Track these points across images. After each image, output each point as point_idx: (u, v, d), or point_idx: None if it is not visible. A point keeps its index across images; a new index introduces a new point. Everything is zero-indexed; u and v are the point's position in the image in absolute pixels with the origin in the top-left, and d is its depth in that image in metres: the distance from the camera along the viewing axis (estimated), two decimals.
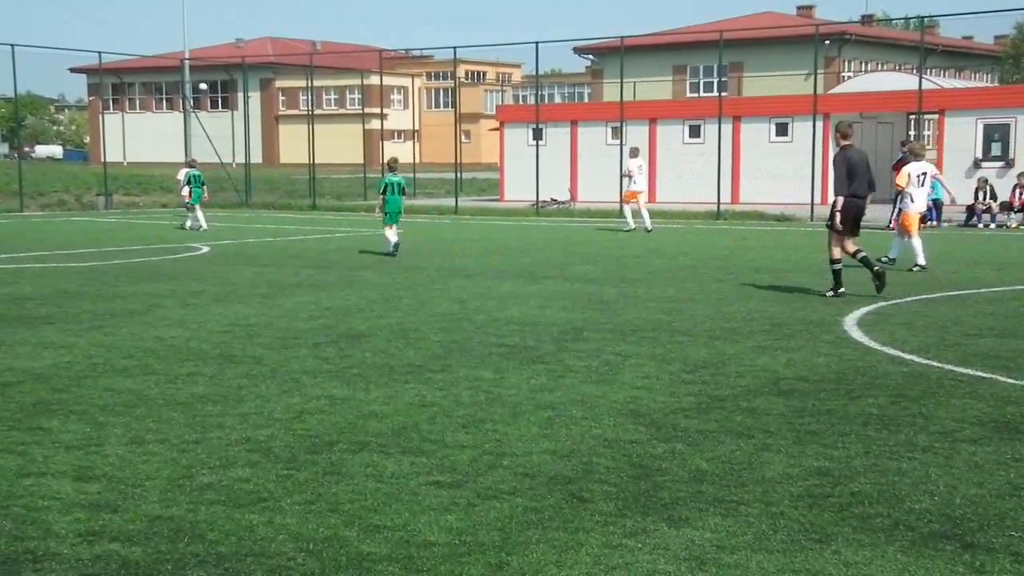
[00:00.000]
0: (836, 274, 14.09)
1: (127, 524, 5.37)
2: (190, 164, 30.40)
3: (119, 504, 5.67)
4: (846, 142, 14.06)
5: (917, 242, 17.40)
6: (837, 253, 14.08)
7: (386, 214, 20.30)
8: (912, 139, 28.42)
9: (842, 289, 13.98)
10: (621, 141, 35.69)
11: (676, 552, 4.99)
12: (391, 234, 20.05)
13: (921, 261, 17.17)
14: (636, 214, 26.88)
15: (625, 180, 27.44)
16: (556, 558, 4.92)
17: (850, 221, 13.97)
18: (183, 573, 4.77)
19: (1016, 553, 4.98)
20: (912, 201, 17.56)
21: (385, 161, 21.54)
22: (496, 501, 5.69)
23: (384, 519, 5.41)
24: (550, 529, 5.29)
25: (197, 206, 28.14)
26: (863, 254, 13.96)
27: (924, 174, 17.69)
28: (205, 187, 29.59)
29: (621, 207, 28.37)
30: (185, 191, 29.18)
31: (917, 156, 18.11)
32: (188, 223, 28.14)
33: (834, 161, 14.16)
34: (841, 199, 13.80)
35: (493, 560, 4.89)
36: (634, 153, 27.53)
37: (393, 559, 4.90)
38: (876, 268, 14.03)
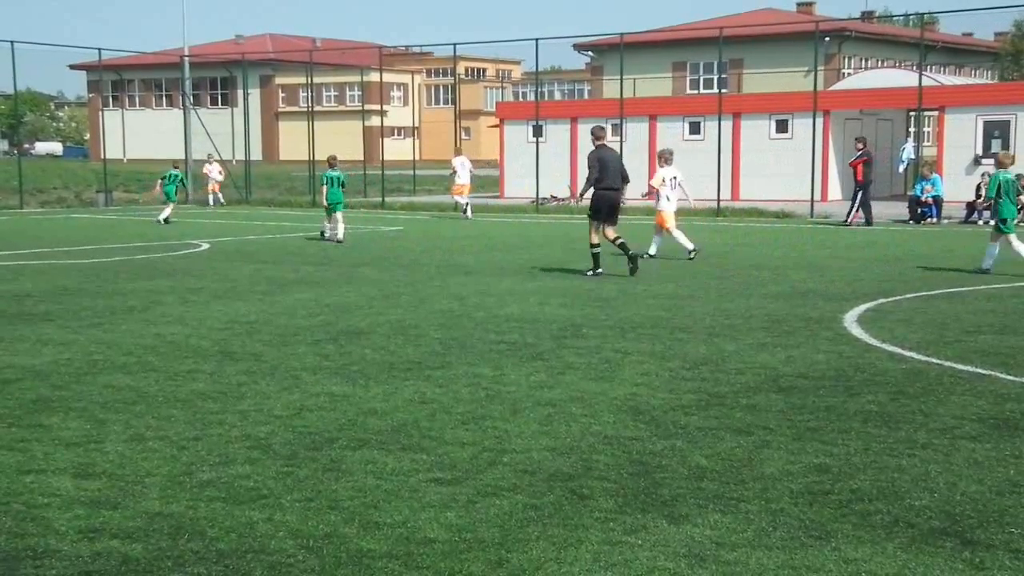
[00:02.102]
0: (595, 257, 16.16)
1: (127, 521, 5.38)
2: (174, 166, 32.83)
3: (119, 501, 5.68)
4: (599, 142, 16.28)
5: (678, 234, 18.83)
6: (596, 239, 16.15)
7: (327, 206, 23.18)
8: (863, 138, 28.70)
9: (600, 270, 16.02)
10: (621, 138, 35.67)
11: (676, 549, 4.99)
12: (335, 224, 22.90)
13: (690, 246, 18.56)
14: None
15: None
16: (556, 555, 4.92)
17: (606, 211, 16.06)
18: (183, 570, 4.78)
19: (1016, 550, 4.98)
20: (668, 200, 18.87)
21: (327, 159, 24.08)
22: (496, 498, 5.69)
23: (384, 516, 5.42)
24: (550, 526, 5.29)
25: (171, 203, 30.40)
26: (621, 240, 16.08)
27: (675, 178, 19.07)
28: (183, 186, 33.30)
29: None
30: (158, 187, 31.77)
31: (667, 161, 19.07)
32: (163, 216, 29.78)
33: (588, 158, 16.22)
34: (592, 191, 16.03)
35: (493, 557, 4.89)
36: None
37: (393, 556, 4.91)
38: (631, 253, 16.02)
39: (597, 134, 16.48)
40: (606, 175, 16.02)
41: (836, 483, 5.94)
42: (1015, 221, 16.48)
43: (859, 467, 6.24)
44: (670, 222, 18.96)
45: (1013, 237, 16.28)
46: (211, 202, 38.48)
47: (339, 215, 22.95)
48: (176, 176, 31.40)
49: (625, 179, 16.36)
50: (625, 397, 8.01)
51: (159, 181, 31.49)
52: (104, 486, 5.93)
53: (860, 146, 27.99)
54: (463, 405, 7.78)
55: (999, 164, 16.78)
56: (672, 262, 18.25)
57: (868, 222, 27.47)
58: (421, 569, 4.77)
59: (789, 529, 5.24)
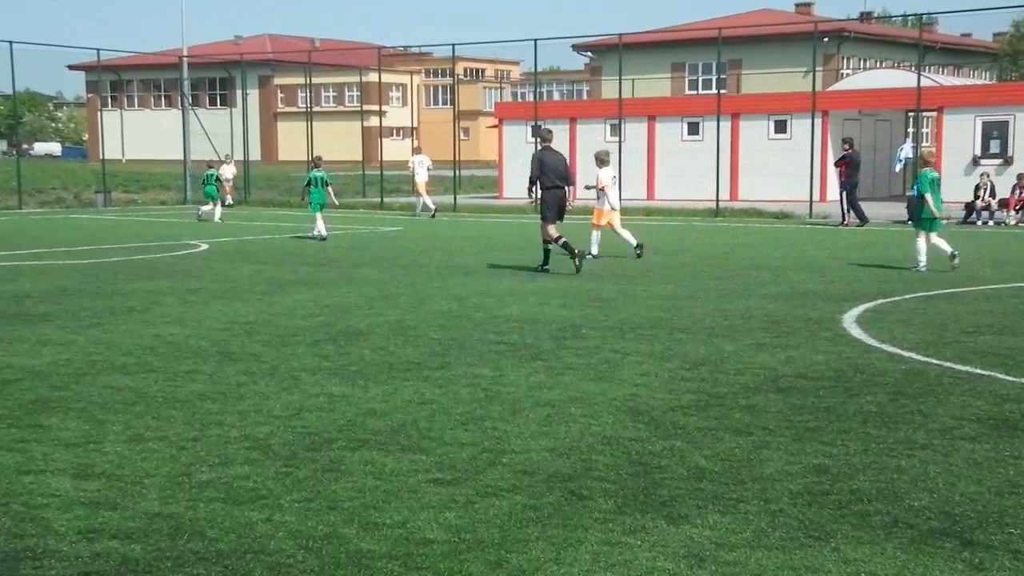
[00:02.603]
0: (565, 247, 16.73)
1: (126, 521, 5.37)
2: (209, 165, 33.85)
3: (118, 501, 5.67)
4: (545, 143, 17.15)
5: (596, 235, 19.14)
6: (554, 232, 16.94)
7: (312, 204, 24.10)
8: (849, 139, 28.92)
9: (578, 260, 16.58)
10: (620, 138, 35.69)
11: (675, 549, 4.99)
12: (322, 221, 23.83)
13: (634, 241, 18.90)
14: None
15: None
16: (555, 555, 4.92)
17: (555, 208, 16.90)
18: (182, 570, 4.77)
19: (1015, 550, 4.98)
20: (608, 200, 19.06)
21: (311, 159, 25.48)
22: (495, 499, 5.69)
23: (383, 516, 5.42)
24: (549, 526, 5.29)
25: (214, 201, 30.99)
26: (563, 240, 16.76)
27: (614, 177, 19.74)
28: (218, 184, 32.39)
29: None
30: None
31: (604, 162, 19.10)
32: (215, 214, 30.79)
33: (532, 159, 17.28)
34: (539, 190, 16.91)
35: (492, 557, 4.89)
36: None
37: (392, 556, 4.91)
38: (577, 250, 16.63)
39: (543, 136, 17.39)
40: (548, 175, 16.83)
41: (835, 483, 5.94)
42: (935, 217, 16.88)
43: (858, 467, 6.24)
44: (616, 221, 19.27)
45: (934, 234, 16.83)
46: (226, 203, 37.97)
47: (319, 215, 23.90)
48: (213, 175, 31.67)
49: (568, 180, 17.17)
50: (624, 398, 8.01)
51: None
52: (103, 486, 5.93)
53: (847, 147, 28.15)
54: (462, 406, 7.78)
55: (924, 163, 17.31)
56: (671, 260, 18.26)
57: (861, 221, 27.55)
58: (420, 570, 4.77)
59: (788, 529, 5.24)
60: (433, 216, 32.21)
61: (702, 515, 5.44)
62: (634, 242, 18.92)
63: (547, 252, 17.02)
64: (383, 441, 6.82)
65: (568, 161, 17.73)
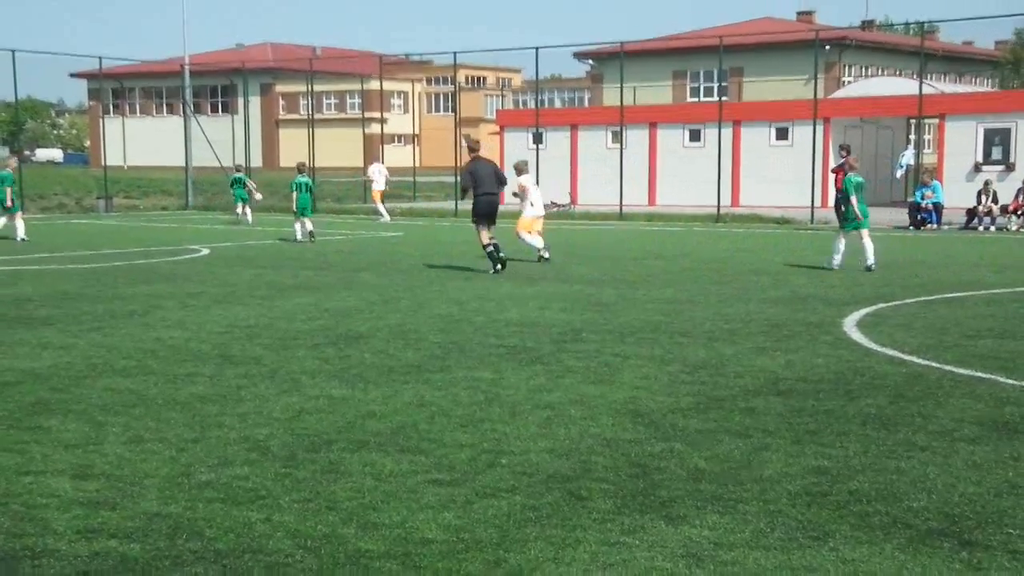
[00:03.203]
0: (490, 255, 17.46)
1: (125, 521, 5.37)
2: (237, 169, 33.85)
3: (117, 502, 5.68)
4: (473, 154, 17.98)
5: (528, 237, 19.56)
6: (486, 238, 17.62)
7: (299, 209, 24.89)
8: (847, 146, 28.94)
9: (499, 266, 17.37)
10: (621, 145, 35.73)
11: (674, 549, 4.99)
12: (301, 225, 24.61)
13: (539, 245, 19.36)
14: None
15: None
16: (554, 555, 4.92)
17: (486, 214, 17.61)
18: (181, 570, 4.78)
19: (1014, 551, 4.98)
20: (532, 206, 19.65)
21: (296, 165, 26.23)
22: (494, 499, 5.69)
23: (382, 517, 5.42)
24: (548, 527, 5.29)
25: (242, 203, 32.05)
26: (492, 246, 17.49)
27: (535, 184, 20.26)
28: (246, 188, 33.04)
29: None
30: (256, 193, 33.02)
31: (522, 171, 19.64)
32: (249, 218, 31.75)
33: (463, 168, 18.18)
34: (472, 197, 17.65)
35: (491, 557, 4.89)
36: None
37: (391, 556, 4.90)
38: (501, 255, 17.39)
39: (471, 146, 18.28)
40: (481, 184, 17.64)
41: (835, 484, 5.94)
42: (857, 218, 17.69)
43: (858, 469, 6.23)
44: (537, 226, 19.73)
45: (865, 233, 17.65)
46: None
47: (307, 219, 24.74)
48: (241, 179, 31.86)
49: (502, 182, 18.14)
50: (624, 400, 8.01)
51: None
52: (103, 487, 5.93)
53: (844, 154, 28.13)
54: (462, 408, 7.78)
55: (850, 168, 18.34)
56: (672, 265, 18.26)
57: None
58: (419, 569, 4.77)
59: (787, 530, 5.24)
60: (384, 218, 33.11)
61: (701, 516, 5.44)
62: (540, 245, 19.41)
63: (491, 254, 17.63)
64: (383, 443, 6.82)
65: (499, 167, 18.51)
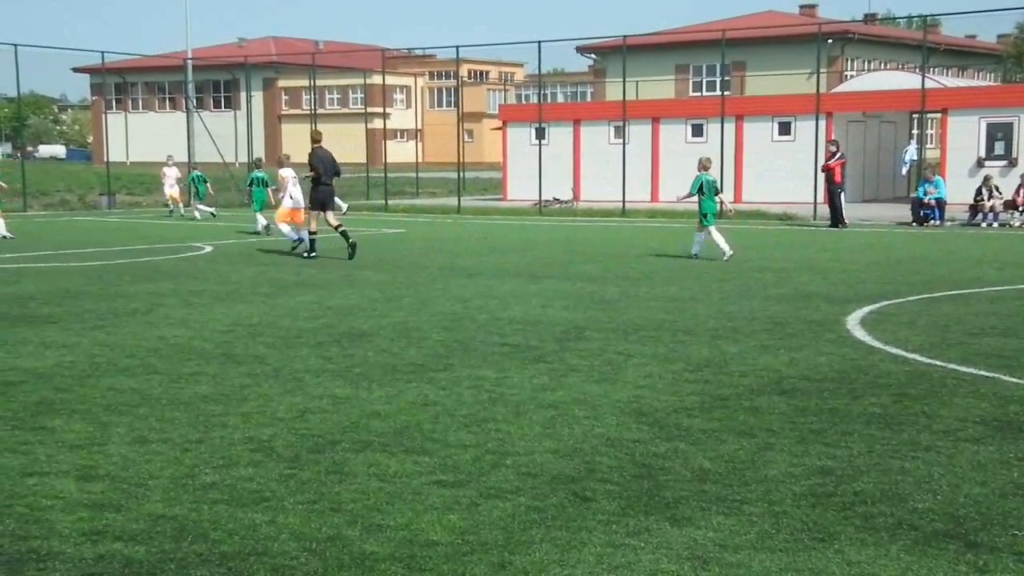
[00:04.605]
0: (312, 242, 19.39)
1: (130, 523, 5.38)
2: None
3: (122, 503, 5.68)
4: (316, 144, 19.44)
5: (284, 228, 20.94)
6: (315, 226, 19.38)
7: (255, 202, 26.41)
8: (836, 141, 29.40)
9: (315, 253, 19.14)
10: (624, 140, 35.68)
11: (679, 551, 4.99)
12: (260, 218, 25.83)
13: (295, 236, 20.55)
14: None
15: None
16: (559, 557, 4.92)
17: (325, 202, 19.21)
18: (186, 572, 4.78)
19: (1019, 552, 4.97)
20: (291, 198, 20.83)
21: (253, 160, 28.30)
22: (499, 500, 5.69)
23: (387, 518, 5.42)
24: (553, 528, 5.29)
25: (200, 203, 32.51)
26: (342, 228, 19.17)
27: (295, 177, 20.99)
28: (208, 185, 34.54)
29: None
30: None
31: (282, 164, 21.32)
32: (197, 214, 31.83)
33: (309, 159, 19.38)
34: (313, 185, 19.07)
35: (496, 559, 4.89)
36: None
37: (396, 558, 4.91)
38: (351, 241, 18.92)
39: (314, 137, 19.81)
40: (322, 172, 19.15)
41: (839, 485, 5.94)
42: (715, 215, 19.16)
43: (862, 469, 6.23)
44: (288, 218, 20.91)
45: (713, 229, 18.94)
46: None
47: (259, 214, 25.97)
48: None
49: (337, 173, 19.64)
50: (628, 399, 8.01)
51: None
52: (107, 488, 5.93)
53: (834, 148, 28.19)
54: (466, 407, 7.78)
55: (701, 167, 19.39)
56: (674, 262, 18.27)
57: (835, 224, 27.52)
58: (424, 572, 4.77)
59: (792, 531, 5.23)
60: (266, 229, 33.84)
61: (706, 517, 5.44)
62: (294, 237, 20.56)
63: (313, 242, 19.34)
64: (387, 443, 6.82)
65: (336, 159, 19.96)
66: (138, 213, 37.09)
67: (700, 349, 10.11)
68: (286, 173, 20.92)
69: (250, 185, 26.83)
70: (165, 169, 35.03)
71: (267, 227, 25.10)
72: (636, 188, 36.58)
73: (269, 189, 25.52)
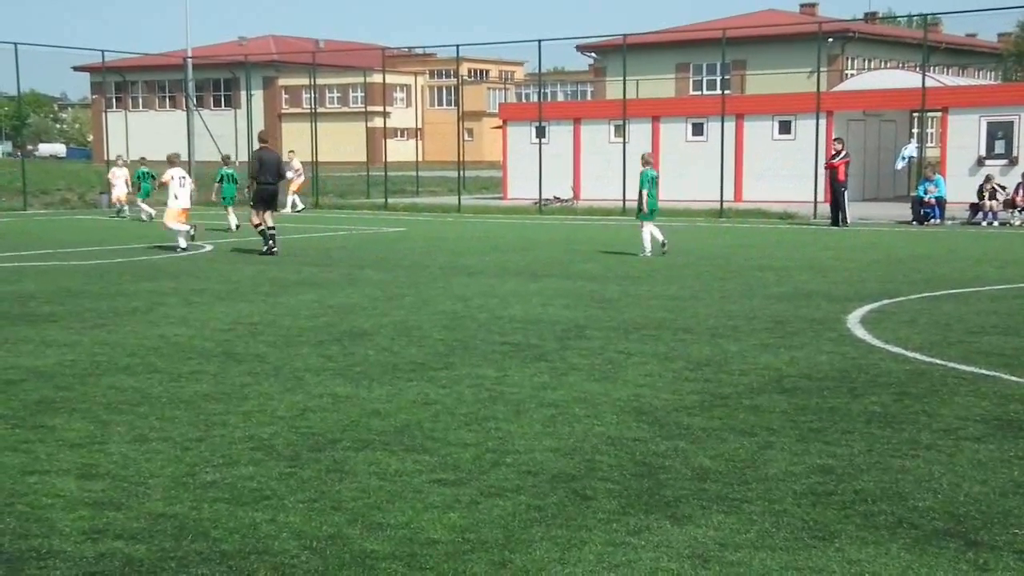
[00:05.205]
0: (263, 235, 19.85)
1: (131, 522, 5.38)
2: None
3: (123, 502, 5.68)
4: (263, 144, 20.27)
5: (175, 226, 20.93)
6: (256, 220, 20.00)
7: (224, 199, 27.29)
8: (840, 139, 29.50)
9: (276, 248, 19.66)
10: (624, 139, 35.67)
11: (679, 550, 4.99)
12: (232, 216, 26.64)
13: (183, 244, 20.92)
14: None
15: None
16: (559, 556, 4.92)
17: (266, 200, 19.94)
18: (187, 571, 4.78)
19: (1020, 551, 4.97)
20: (176, 199, 20.98)
21: (222, 157, 28.62)
22: (499, 499, 5.69)
23: (387, 517, 5.42)
24: (553, 527, 5.29)
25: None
26: (273, 231, 19.83)
27: (183, 177, 21.24)
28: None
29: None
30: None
31: (172, 163, 21.39)
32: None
33: (251, 157, 20.35)
34: (254, 183, 19.84)
35: (496, 558, 4.89)
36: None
37: (396, 557, 4.91)
38: (270, 243, 19.64)
39: (262, 137, 20.70)
40: (264, 172, 19.87)
41: (840, 484, 5.94)
42: (643, 210, 19.68)
43: (863, 468, 6.23)
44: (179, 218, 21.10)
45: (653, 224, 19.56)
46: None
47: (230, 208, 26.92)
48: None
49: (281, 176, 20.78)
50: (628, 398, 8.01)
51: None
52: (108, 487, 5.93)
53: (839, 147, 28.20)
54: (466, 406, 7.78)
55: (644, 164, 19.94)
56: (675, 260, 18.27)
57: (835, 223, 27.52)
58: (424, 570, 4.77)
59: (793, 530, 5.24)
60: (299, 211, 34.87)
61: (706, 515, 5.44)
62: (183, 231, 20.98)
63: (263, 234, 19.87)
64: (387, 442, 6.83)
65: (281, 160, 21.10)
66: (137, 211, 36.99)
67: (700, 348, 10.11)
68: (172, 173, 21.17)
69: (219, 181, 27.35)
70: (115, 169, 34.26)
71: (238, 226, 25.61)
72: (636, 186, 36.53)
73: (216, 185, 27.12)
